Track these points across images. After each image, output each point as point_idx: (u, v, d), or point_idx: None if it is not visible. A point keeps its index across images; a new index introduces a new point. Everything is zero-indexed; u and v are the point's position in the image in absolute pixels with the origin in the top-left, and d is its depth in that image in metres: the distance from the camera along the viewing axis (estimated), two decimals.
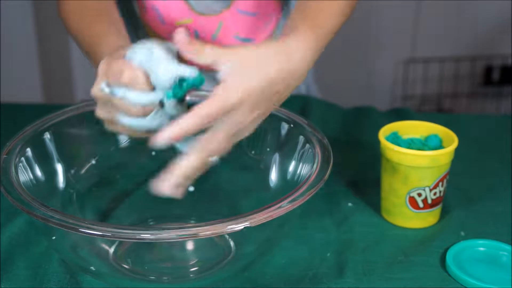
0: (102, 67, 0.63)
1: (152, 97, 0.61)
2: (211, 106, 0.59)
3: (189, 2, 0.94)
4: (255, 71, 0.61)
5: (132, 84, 0.61)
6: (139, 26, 1.00)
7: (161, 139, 0.59)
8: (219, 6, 0.94)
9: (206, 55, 0.61)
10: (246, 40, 0.95)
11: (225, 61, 0.61)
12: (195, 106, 0.59)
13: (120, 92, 0.61)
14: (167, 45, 0.63)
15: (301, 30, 0.68)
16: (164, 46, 0.62)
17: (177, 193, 0.62)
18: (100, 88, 0.62)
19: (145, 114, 0.62)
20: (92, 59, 0.75)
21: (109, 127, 0.66)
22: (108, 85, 0.62)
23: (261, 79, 0.61)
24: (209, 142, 0.61)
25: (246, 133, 0.64)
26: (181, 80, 0.61)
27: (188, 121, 0.59)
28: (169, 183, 0.61)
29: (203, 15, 0.94)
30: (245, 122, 0.62)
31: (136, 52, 0.62)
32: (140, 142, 0.78)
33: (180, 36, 0.61)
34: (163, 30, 0.96)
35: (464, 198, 0.83)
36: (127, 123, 0.63)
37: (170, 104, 0.62)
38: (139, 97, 0.61)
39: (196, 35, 0.95)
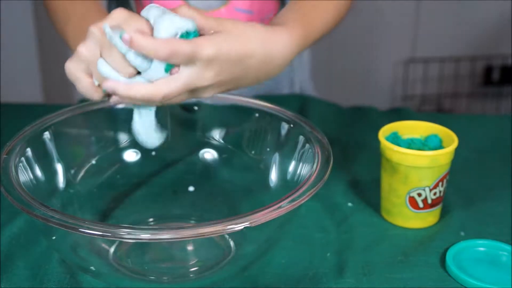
0: (119, 13, 0.61)
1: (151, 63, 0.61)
2: (181, 46, 0.59)
3: None
4: (237, 41, 0.62)
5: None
6: None
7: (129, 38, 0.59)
8: (216, 3, 0.94)
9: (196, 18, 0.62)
10: None
11: (213, 28, 0.62)
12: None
13: (123, 46, 0.60)
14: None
15: (291, 24, 0.69)
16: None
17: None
18: (103, 26, 0.60)
19: (129, 75, 0.61)
20: (70, 31, 0.75)
21: (74, 69, 0.63)
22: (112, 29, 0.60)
23: (238, 49, 0.62)
24: (166, 82, 0.60)
25: (203, 95, 0.64)
26: (182, 36, 0.60)
27: (154, 41, 0.59)
28: (114, 85, 0.61)
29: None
30: (204, 80, 0.61)
31: (150, 10, 0.61)
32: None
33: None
34: None
35: (464, 198, 0.83)
36: (105, 73, 0.61)
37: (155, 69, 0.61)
38: (137, 58, 0.60)
39: None
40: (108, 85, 0.61)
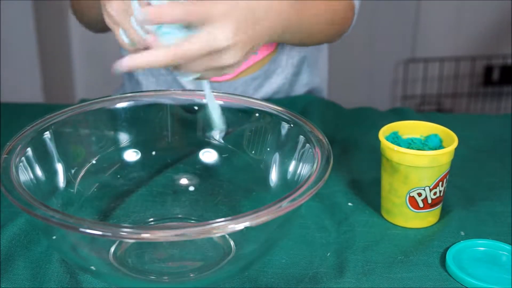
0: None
1: None
2: (195, 5, 0.60)
3: None
4: None
5: None
6: None
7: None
8: None
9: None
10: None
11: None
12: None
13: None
14: None
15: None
16: None
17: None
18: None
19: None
20: None
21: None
22: None
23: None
24: (185, 48, 0.61)
25: (225, 61, 0.63)
26: None
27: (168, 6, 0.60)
28: (130, 62, 0.62)
29: None
30: (222, 40, 0.61)
31: None
32: (140, 142, 0.78)
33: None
34: None
35: (464, 198, 0.83)
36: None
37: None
38: None
39: None
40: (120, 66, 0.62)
